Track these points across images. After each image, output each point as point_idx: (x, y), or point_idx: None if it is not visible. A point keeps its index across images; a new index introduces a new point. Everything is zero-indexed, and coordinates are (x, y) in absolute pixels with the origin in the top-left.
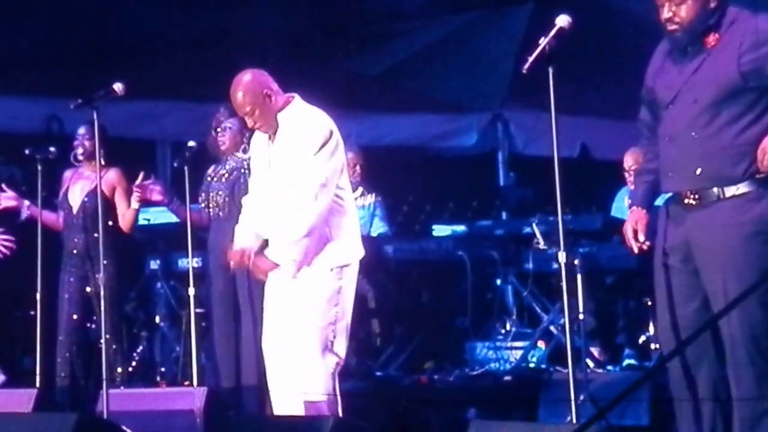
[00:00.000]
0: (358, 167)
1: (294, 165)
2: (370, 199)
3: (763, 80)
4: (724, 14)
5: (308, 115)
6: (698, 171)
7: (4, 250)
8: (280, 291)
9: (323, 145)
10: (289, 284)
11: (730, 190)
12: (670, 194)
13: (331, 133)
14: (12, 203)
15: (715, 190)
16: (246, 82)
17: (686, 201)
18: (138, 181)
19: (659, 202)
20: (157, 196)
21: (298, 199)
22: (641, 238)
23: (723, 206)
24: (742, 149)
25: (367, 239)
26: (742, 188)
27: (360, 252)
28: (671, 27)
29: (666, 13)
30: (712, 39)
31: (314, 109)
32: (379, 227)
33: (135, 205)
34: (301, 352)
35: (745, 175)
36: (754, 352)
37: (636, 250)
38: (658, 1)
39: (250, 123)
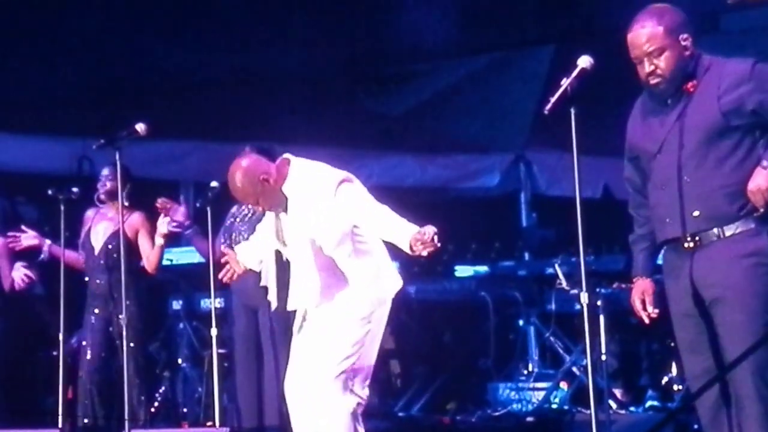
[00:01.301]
0: None
1: (319, 215)
2: None
3: (743, 118)
4: (699, 62)
5: (309, 170)
6: (695, 213)
7: (21, 284)
8: (308, 333)
9: (340, 183)
10: (318, 327)
11: (729, 229)
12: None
13: (339, 174)
14: (33, 242)
15: (715, 230)
16: (239, 177)
17: (685, 245)
18: (162, 216)
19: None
20: (179, 217)
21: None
22: (650, 308)
23: (723, 243)
24: (734, 188)
25: None
26: (741, 226)
27: (397, 284)
28: (654, 80)
29: (647, 68)
30: (690, 86)
31: (310, 162)
32: None
33: (159, 241)
34: (321, 392)
35: (742, 212)
36: (762, 387)
37: (647, 321)
38: (635, 58)
39: (259, 210)
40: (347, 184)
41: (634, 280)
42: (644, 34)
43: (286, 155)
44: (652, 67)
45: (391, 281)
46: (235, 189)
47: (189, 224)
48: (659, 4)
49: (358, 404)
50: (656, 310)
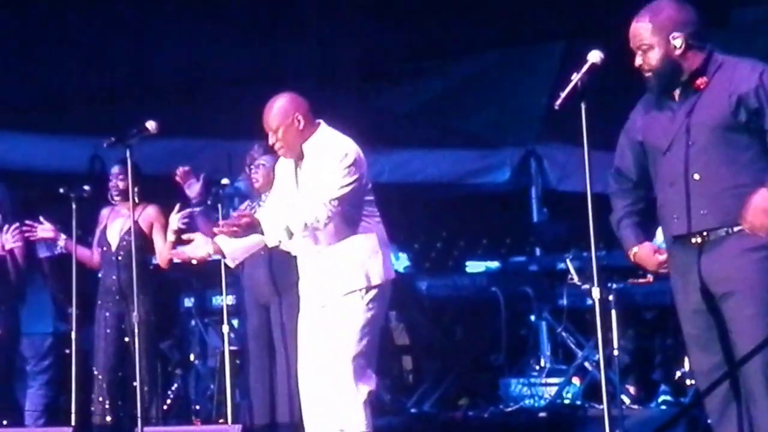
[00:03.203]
0: None
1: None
2: None
3: (752, 117)
4: (710, 59)
5: (331, 139)
6: (703, 212)
7: (14, 242)
8: (310, 323)
9: (340, 161)
10: (318, 313)
11: (738, 226)
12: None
13: (351, 152)
14: (49, 235)
15: (722, 230)
16: (280, 101)
17: (693, 240)
18: (174, 212)
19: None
20: (193, 191)
21: (307, 198)
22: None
23: (732, 238)
24: (742, 190)
25: (400, 276)
26: None
27: (390, 274)
28: (645, 74)
29: (638, 61)
30: (701, 82)
31: (339, 134)
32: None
33: (171, 237)
34: (336, 383)
35: None
36: None
37: (662, 270)
38: (634, 49)
39: (271, 140)
40: (343, 170)
41: (631, 254)
42: (636, 28)
43: (319, 120)
44: (641, 61)
45: (383, 267)
46: (268, 110)
47: (199, 201)
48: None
49: (369, 393)
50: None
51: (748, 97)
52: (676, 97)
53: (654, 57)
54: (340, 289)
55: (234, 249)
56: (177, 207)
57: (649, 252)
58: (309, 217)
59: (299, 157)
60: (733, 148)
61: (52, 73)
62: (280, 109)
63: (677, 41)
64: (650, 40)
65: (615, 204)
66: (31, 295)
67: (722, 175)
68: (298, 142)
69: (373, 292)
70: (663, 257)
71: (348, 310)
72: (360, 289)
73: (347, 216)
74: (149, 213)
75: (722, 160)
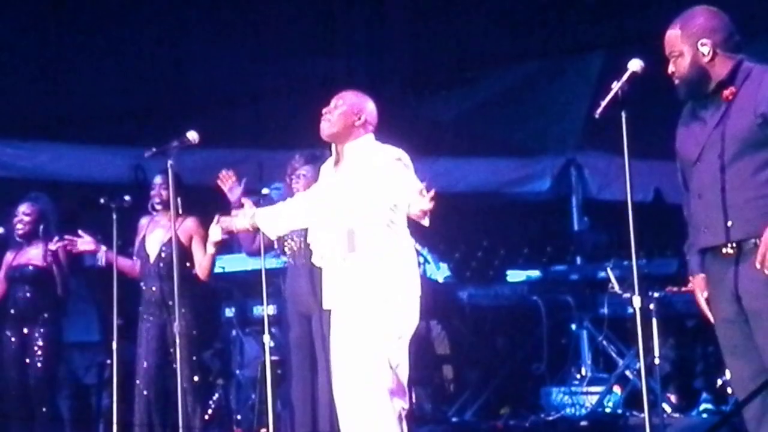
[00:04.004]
0: None
1: (367, 180)
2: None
3: None
4: (739, 68)
5: (381, 146)
6: (729, 224)
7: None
8: (340, 338)
9: (398, 159)
10: (346, 324)
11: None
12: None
13: (405, 156)
14: (90, 247)
15: (752, 241)
16: (361, 95)
17: (724, 251)
18: (214, 223)
19: None
20: (234, 195)
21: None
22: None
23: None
24: (765, 201)
25: (441, 285)
26: None
27: (416, 285)
28: (675, 81)
29: (670, 68)
30: (728, 93)
31: (381, 145)
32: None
33: (211, 249)
34: (369, 396)
35: None
36: None
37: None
38: (668, 56)
39: (324, 110)
40: (400, 163)
41: (691, 278)
42: (668, 36)
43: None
44: (673, 69)
45: (417, 279)
46: (344, 93)
47: (238, 206)
48: (698, 7)
49: (403, 408)
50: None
51: None
52: (707, 108)
53: (683, 64)
54: (375, 296)
55: (271, 222)
56: (217, 218)
57: (701, 284)
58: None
59: (338, 159)
60: (758, 161)
61: (93, 84)
62: (354, 97)
63: (705, 48)
64: (680, 47)
65: (689, 229)
66: (78, 305)
67: (747, 187)
68: (342, 131)
69: (407, 300)
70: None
71: (381, 318)
72: (395, 299)
73: (389, 220)
74: (188, 225)
75: (749, 172)
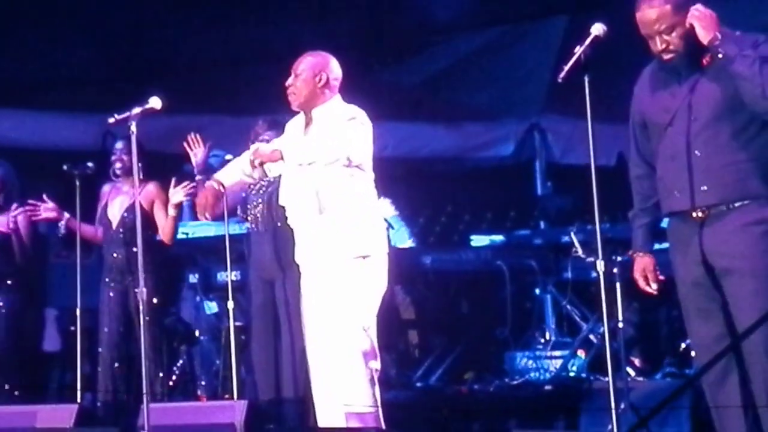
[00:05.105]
0: None
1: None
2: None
3: None
4: None
5: (342, 106)
6: (703, 188)
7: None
8: (311, 298)
9: (352, 118)
10: (316, 284)
11: (738, 203)
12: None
13: (361, 115)
14: (52, 214)
15: (723, 205)
16: (319, 54)
17: (694, 215)
18: (172, 186)
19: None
20: (197, 159)
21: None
22: (653, 285)
23: (733, 213)
24: (744, 165)
25: (404, 251)
26: (750, 200)
27: (384, 247)
28: (667, 56)
29: (660, 45)
30: (705, 59)
31: (348, 105)
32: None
33: (172, 212)
34: (342, 357)
35: (751, 193)
36: None
37: (655, 292)
38: (646, 35)
39: (289, 81)
40: (356, 124)
41: (633, 256)
42: (653, 12)
43: (338, 94)
44: (664, 45)
45: (376, 240)
46: (304, 56)
47: (202, 170)
48: None
49: (376, 371)
50: (661, 278)
51: None
52: (681, 73)
53: (679, 36)
54: (344, 255)
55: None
56: (173, 182)
57: (648, 266)
58: (323, 146)
59: (307, 122)
60: (734, 126)
61: (59, 51)
62: (312, 59)
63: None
64: (672, 20)
65: (634, 195)
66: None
67: (723, 152)
68: (310, 98)
69: (376, 261)
70: (653, 287)
71: (350, 277)
72: (363, 257)
73: (352, 181)
74: (150, 190)
75: (724, 137)
